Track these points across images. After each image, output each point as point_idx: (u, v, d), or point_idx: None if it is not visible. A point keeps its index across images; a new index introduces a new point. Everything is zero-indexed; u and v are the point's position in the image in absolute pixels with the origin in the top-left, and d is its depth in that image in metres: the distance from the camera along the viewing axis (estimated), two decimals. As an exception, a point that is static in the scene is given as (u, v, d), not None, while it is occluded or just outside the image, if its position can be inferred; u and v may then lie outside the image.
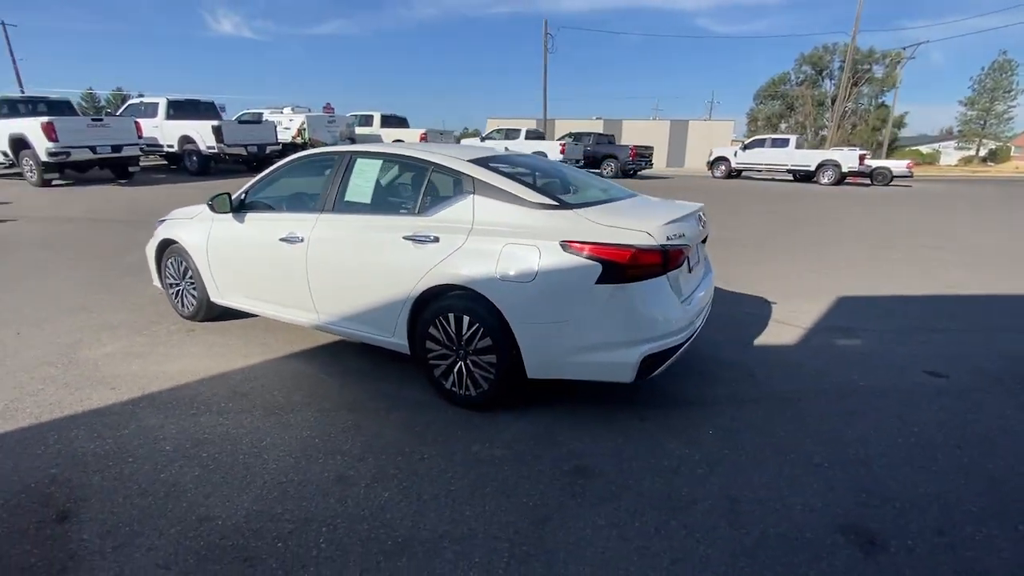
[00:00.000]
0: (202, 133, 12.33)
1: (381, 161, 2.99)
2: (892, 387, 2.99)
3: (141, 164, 12.52)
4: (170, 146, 12.99)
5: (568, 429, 2.49)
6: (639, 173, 21.21)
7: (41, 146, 9.90)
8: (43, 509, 1.91)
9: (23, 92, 24.26)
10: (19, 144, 10.24)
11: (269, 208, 3.39)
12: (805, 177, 19.85)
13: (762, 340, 3.72)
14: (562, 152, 17.99)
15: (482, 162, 2.75)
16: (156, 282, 4.09)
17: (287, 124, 14.79)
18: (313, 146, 14.99)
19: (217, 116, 13.90)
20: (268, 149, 13.66)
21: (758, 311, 4.35)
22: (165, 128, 12.83)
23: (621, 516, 1.90)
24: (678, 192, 14.83)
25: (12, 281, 4.83)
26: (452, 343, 2.59)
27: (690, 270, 2.70)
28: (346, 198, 3.00)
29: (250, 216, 3.37)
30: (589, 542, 1.77)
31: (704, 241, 3.13)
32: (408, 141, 16.21)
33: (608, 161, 19.83)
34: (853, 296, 4.85)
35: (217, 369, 3.12)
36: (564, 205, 2.47)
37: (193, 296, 3.80)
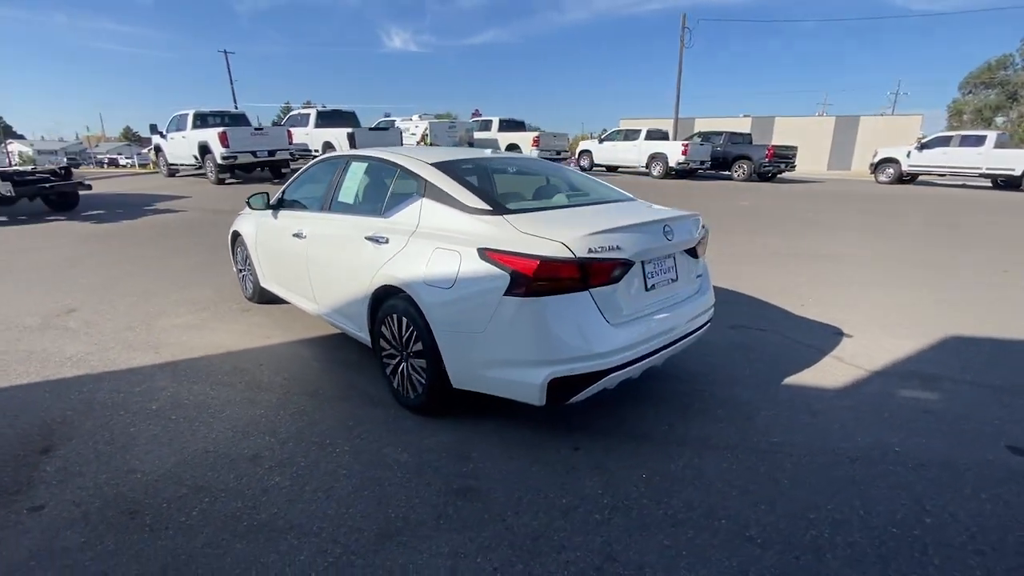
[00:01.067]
0: (339, 139, 14.07)
1: (367, 164, 3.14)
2: (940, 460, 2.28)
3: (293, 166, 14.68)
4: (316, 150, 15.06)
5: (490, 446, 2.36)
6: (778, 176, 18.89)
7: (217, 151, 12.24)
8: (40, 441, 2.39)
9: (236, 107, 29.95)
10: (204, 149, 12.80)
11: (300, 206, 3.76)
12: (1010, 183, 15.84)
13: (797, 379, 3.10)
14: (684, 154, 16.86)
15: (445, 165, 2.73)
16: (233, 266, 4.80)
17: (413, 130, 16.14)
18: (434, 149, 16.13)
19: (356, 124, 15.73)
20: (278, 154, 14.84)
21: (820, 343, 3.63)
22: (313, 135, 14.92)
23: (469, 548, 1.76)
24: (808, 199, 12.89)
25: (153, 260, 6.06)
26: (397, 343, 2.62)
27: (647, 288, 2.36)
28: (339, 199, 3.21)
29: (281, 213, 3.78)
30: (417, 569, 1.67)
31: (694, 255, 2.70)
32: (522, 144, 16.57)
33: (740, 163, 18.01)
34: (970, 337, 3.78)
35: (238, 345, 3.56)
36: (498, 210, 2.35)
37: (251, 280, 4.38)
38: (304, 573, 1.65)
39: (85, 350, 3.47)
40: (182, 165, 14.79)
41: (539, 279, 2.03)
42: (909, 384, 3.04)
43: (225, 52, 38.93)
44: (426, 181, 2.62)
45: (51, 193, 8.74)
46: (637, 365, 2.26)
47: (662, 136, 18.84)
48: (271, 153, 12.95)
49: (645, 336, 2.29)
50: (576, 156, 20.45)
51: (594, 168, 19.10)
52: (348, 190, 3.17)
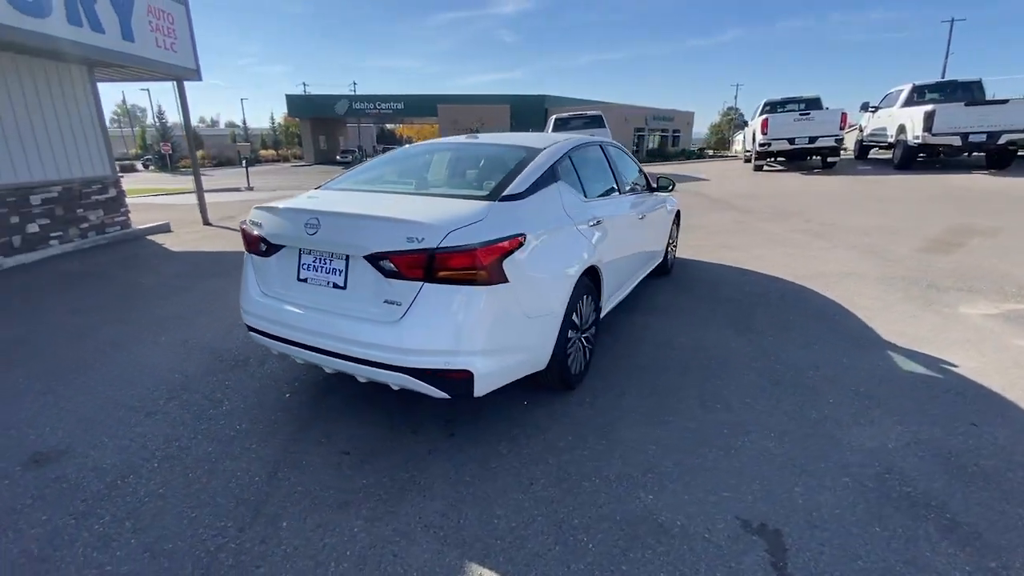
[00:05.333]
0: (915, 120, 10.56)
1: None
2: None
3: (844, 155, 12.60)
4: (891, 136, 12.00)
5: (249, 378, 3.24)
6: None
7: (757, 138, 12.55)
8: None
9: (941, 79, 26.16)
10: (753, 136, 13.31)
11: None
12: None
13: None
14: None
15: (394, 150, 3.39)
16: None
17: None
18: None
19: (982, 99, 11.05)
20: (1004, 138, 9.72)
21: None
22: (895, 116, 11.80)
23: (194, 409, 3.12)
24: None
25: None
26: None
27: (299, 278, 2.38)
28: None
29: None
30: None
31: (384, 272, 2.12)
32: None
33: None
34: None
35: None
36: (325, 187, 2.99)
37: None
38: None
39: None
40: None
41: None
42: None
43: (952, 20, 33.29)
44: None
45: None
46: (275, 344, 2.48)
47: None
48: (811, 140, 11.86)
49: (282, 322, 2.42)
50: None
51: None
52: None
